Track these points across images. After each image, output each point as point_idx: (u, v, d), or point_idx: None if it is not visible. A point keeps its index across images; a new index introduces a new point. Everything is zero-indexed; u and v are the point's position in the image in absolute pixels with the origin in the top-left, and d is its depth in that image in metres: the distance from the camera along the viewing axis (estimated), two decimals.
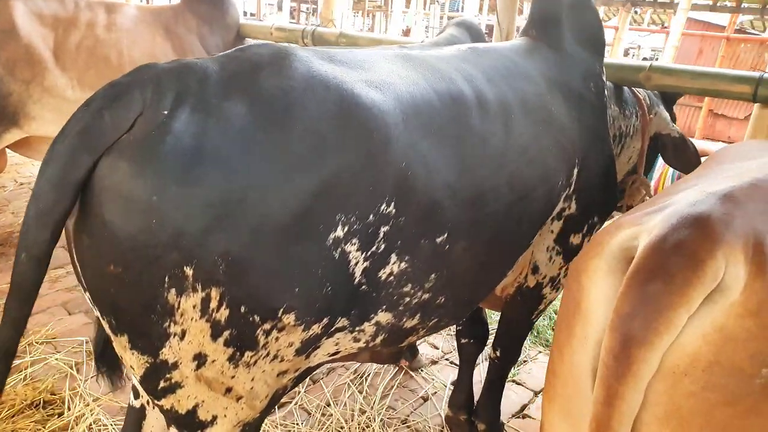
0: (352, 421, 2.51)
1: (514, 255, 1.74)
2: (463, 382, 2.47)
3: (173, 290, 1.07)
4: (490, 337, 2.49)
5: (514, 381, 2.83)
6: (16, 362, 2.66)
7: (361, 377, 2.81)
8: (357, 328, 1.38)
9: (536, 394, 2.81)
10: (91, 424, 2.38)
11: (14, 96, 3.14)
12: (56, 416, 2.43)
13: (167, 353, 1.14)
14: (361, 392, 2.70)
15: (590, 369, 1.02)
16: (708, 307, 0.88)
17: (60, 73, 3.24)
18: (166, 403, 1.23)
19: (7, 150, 3.56)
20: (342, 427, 2.47)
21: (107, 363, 1.59)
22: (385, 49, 1.63)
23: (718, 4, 9.73)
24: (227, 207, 1.06)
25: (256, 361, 1.21)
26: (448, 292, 1.50)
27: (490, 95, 1.56)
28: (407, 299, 1.41)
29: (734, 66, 10.04)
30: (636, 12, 13.36)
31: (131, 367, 1.21)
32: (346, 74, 1.28)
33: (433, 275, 1.42)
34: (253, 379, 1.24)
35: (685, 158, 2.33)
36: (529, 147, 1.61)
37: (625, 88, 2.34)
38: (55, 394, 2.53)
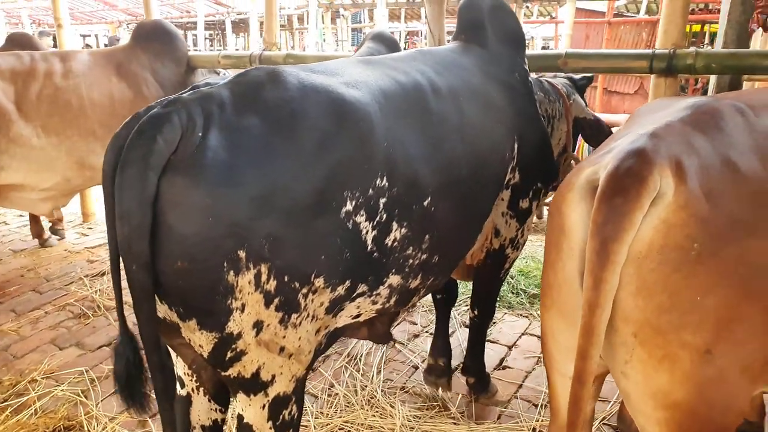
0: (356, 395, 2.81)
1: (482, 216, 2.09)
2: (440, 331, 2.82)
3: (231, 272, 1.32)
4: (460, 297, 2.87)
5: (489, 340, 3.22)
6: (21, 399, 2.82)
7: (355, 359, 3.11)
8: (374, 292, 1.67)
9: (510, 348, 3.22)
10: None
11: None
12: None
13: (232, 326, 1.39)
14: (358, 371, 3.00)
15: (577, 272, 1.41)
16: (654, 208, 1.28)
17: (24, 123, 3.36)
18: (233, 371, 1.48)
19: None
20: (350, 402, 2.76)
21: (132, 390, 1.62)
22: (346, 59, 1.96)
23: None
24: (263, 198, 1.32)
25: (300, 322, 1.48)
26: (439, 251, 1.81)
27: (441, 83, 1.89)
28: (410, 261, 1.71)
29: (618, 46, 11.05)
30: (527, 7, 14.39)
31: (200, 346, 1.44)
32: (328, 80, 1.58)
33: (427, 236, 1.72)
34: (299, 338, 1.51)
35: (602, 136, 2.81)
36: (479, 124, 1.95)
37: (544, 79, 2.80)
38: (71, 420, 2.68)
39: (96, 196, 5.53)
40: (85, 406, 2.76)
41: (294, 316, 1.46)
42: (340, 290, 1.54)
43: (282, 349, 1.49)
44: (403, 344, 3.27)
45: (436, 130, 1.77)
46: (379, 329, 2.13)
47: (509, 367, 3.03)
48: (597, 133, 2.84)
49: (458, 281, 2.90)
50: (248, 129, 1.38)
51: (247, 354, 1.45)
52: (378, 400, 2.76)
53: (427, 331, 3.39)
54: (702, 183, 1.28)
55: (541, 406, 2.70)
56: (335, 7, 13.87)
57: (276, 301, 1.40)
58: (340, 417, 2.63)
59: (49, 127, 3.46)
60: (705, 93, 6.88)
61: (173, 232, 1.30)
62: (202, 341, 1.42)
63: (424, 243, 1.73)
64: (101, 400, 2.82)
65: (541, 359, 3.05)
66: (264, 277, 1.36)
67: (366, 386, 2.87)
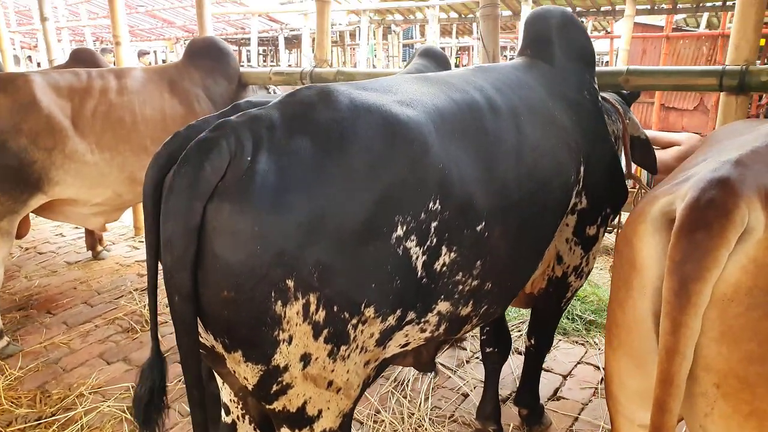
0: (403, 423, 2.70)
1: (542, 243, 1.96)
2: (489, 393, 2.58)
3: (279, 302, 1.26)
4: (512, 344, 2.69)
5: (543, 369, 3.06)
6: (70, 413, 2.83)
7: (403, 384, 3.01)
8: (423, 319, 1.58)
9: (564, 377, 3.06)
10: None
11: (38, 164, 3.31)
12: None
13: (278, 358, 1.33)
14: (405, 397, 2.90)
15: (651, 313, 1.28)
16: (741, 246, 1.14)
17: (79, 139, 3.42)
18: (278, 405, 1.41)
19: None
20: (396, 430, 2.66)
21: (151, 416, 1.60)
22: (401, 75, 1.88)
23: (656, 7, 10.40)
24: (313, 224, 1.26)
25: (349, 354, 1.41)
26: (493, 278, 1.70)
27: (499, 101, 1.79)
28: (460, 287, 1.61)
29: (677, 61, 10.67)
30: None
31: (245, 378, 1.38)
32: (380, 98, 1.50)
33: (478, 262, 1.62)
34: (348, 371, 1.43)
35: (650, 157, 2.65)
36: (540, 144, 1.83)
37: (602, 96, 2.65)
38: None
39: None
40: (129, 423, 2.76)
41: (343, 348, 1.38)
42: (391, 320, 1.45)
43: (330, 383, 1.41)
44: (452, 370, 3.15)
45: (492, 151, 1.67)
46: (424, 357, 2.03)
47: (564, 398, 2.87)
48: (645, 153, 2.67)
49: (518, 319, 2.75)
50: (297, 152, 1.32)
51: (293, 388, 1.38)
52: (425, 429, 2.66)
53: (477, 357, 3.26)
54: None
55: None
56: (387, 23, 13.91)
57: (325, 332, 1.33)
58: None
59: (103, 143, 3.51)
60: None
61: (219, 261, 1.25)
62: (248, 373, 1.37)
63: (475, 269, 1.63)
64: None
65: (598, 390, 2.90)
66: (313, 308, 1.30)
67: (413, 414, 2.77)
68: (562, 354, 3.22)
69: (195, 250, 1.25)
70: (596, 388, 2.92)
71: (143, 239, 5.46)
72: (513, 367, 3.11)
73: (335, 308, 1.33)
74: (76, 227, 5.72)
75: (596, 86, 2.28)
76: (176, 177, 1.27)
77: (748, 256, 1.14)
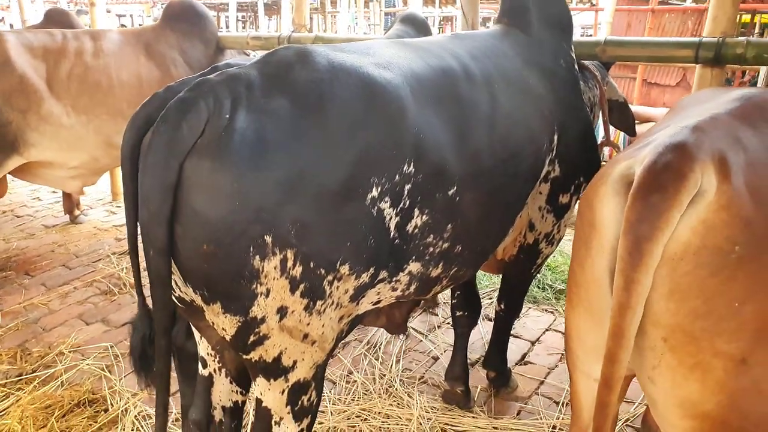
0: (374, 383, 2.78)
1: (513, 209, 2.00)
2: (459, 355, 2.64)
3: (257, 257, 1.30)
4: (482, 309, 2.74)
5: (512, 335, 3.14)
6: (50, 371, 2.88)
7: (375, 347, 3.08)
8: (394, 279, 1.62)
9: (533, 343, 3.15)
10: (137, 415, 2.58)
11: (13, 125, 3.27)
12: (103, 412, 2.63)
13: (256, 310, 1.37)
14: (377, 359, 2.98)
15: (607, 271, 1.33)
16: (693, 208, 1.19)
17: (55, 101, 3.39)
18: (254, 355, 1.46)
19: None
20: (368, 390, 2.74)
21: (145, 364, 1.67)
22: (379, 40, 1.89)
23: None
24: (291, 182, 1.30)
25: (324, 309, 1.45)
26: (463, 242, 1.75)
27: (475, 69, 1.82)
28: (431, 249, 1.66)
29: (661, 35, 10.68)
30: None
31: (223, 329, 1.43)
32: (358, 60, 1.53)
33: (449, 225, 1.66)
34: (323, 325, 1.48)
35: (629, 119, 2.69)
36: (513, 112, 1.86)
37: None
38: (95, 394, 2.73)
39: None
40: (108, 380, 2.82)
41: (319, 303, 1.43)
42: (365, 277, 1.50)
43: (305, 335, 1.46)
44: (424, 335, 3.23)
45: (466, 118, 1.70)
46: (397, 319, 2.09)
47: (531, 363, 2.96)
48: (623, 115, 2.71)
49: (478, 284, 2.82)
50: (276, 111, 1.34)
51: (269, 339, 1.43)
52: (396, 389, 2.74)
53: (447, 323, 3.34)
54: (748, 181, 1.19)
55: (562, 404, 2.63)
56: None
57: (301, 287, 1.38)
58: (358, 404, 2.61)
59: (79, 106, 3.48)
60: (754, 86, 6.62)
61: (199, 216, 1.28)
62: (226, 324, 1.41)
63: (446, 232, 1.67)
64: (124, 376, 2.87)
65: (565, 356, 2.98)
66: (290, 263, 1.34)
67: (384, 375, 2.85)
68: (531, 321, 3.31)
69: (171, 205, 1.28)
70: (562, 354, 3.01)
71: (120, 204, 5.44)
72: (483, 332, 3.19)
73: (311, 264, 1.37)
74: (53, 191, 5.67)
75: (573, 54, 2.30)
76: (154, 135, 1.30)
77: (699, 217, 1.19)
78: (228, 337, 1.45)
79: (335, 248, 1.40)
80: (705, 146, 1.24)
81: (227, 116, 1.30)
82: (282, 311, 1.40)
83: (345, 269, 1.43)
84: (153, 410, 2.64)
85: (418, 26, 2.78)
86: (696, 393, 1.24)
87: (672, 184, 1.20)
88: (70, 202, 4.86)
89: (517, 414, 2.58)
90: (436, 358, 3.01)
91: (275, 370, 1.50)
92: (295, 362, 1.50)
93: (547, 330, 3.25)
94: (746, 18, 9.95)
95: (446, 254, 1.72)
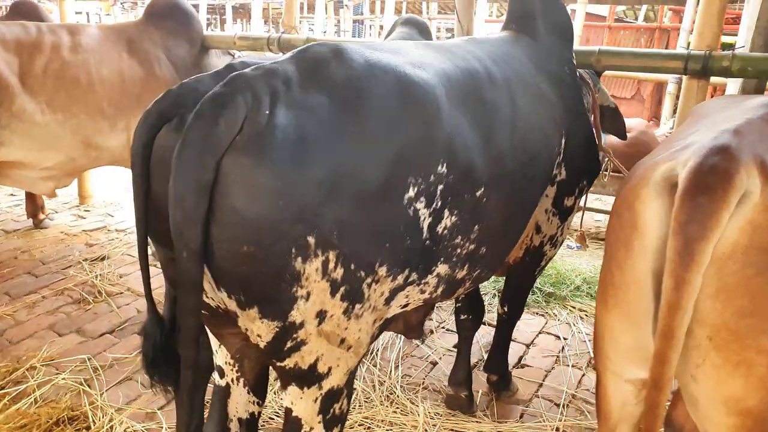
0: (375, 391, 2.74)
1: (528, 212, 2.02)
2: (462, 360, 2.62)
3: (299, 258, 1.26)
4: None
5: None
6: (21, 387, 2.70)
7: (372, 353, 3.04)
8: (423, 281, 1.60)
9: (527, 346, 3.18)
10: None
11: None
12: (85, 430, 2.47)
13: (295, 315, 1.32)
14: (375, 365, 2.94)
15: (650, 272, 1.35)
16: (740, 208, 1.22)
17: (28, 98, 3.22)
18: (290, 361, 1.41)
19: None
20: (369, 398, 2.70)
21: (159, 371, 1.65)
22: (402, 41, 1.88)
23: None
24: (333, 182, 1.26)
25: (362, 313, 1.42)
26: (487, 243, 1.75)
27: (496, 72, 1.83)
28: (458, 250, 1.65)
29: None
30: None
31: (258, 335, 1.37)
32: (393, 59, 1.51)
33: (476, 226, 1.66)
34: (360, 329, 1.45)
35: (619, 124, 2.76)
36: (530, 116, 1.89)
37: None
38: (75, 410, 2.57)
39: (94, 177, 5.38)
40: (89, 395, 2.66)
41: (357, 306, 1.40)
42: (399, 279, 1.48)
43: (342, 340, 1.43)
44: (421, 340, 3.21)
45: (491, 120, 1.71)
46: (413, 321, 2.07)
47: (528, 366, 2.99)
48: (615, 121, 2.77)
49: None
50: (316, 108, 1.31)
51: (307, 344, 1.38)
52: (398, 396, 2.70)
53: (443, 327, 3.34)
54: None
55: (563, 405, 2.66)
56: None
57: (341, 290, 1.34)
58: (360, 413, 2.56)
59: (55, 104, 3.32)
60: None
61: (239, 216, 1.23)
62: (262, 330, 1.36)
63: (473, 233, 1.67)
64: (106, 390, 2.72)
65: (560, 358, 3.04)
66: (331, 265, 1.30)
67: (384, 381, 2.81)
68: (524, 324, 3.34)
69: (207, 205, 1.23)
70: (557, 356, 3.06)
71: (89, 208, 5.24)
72: (478, 336, 3.20)
73: (352, 266, 1.33)
74: (12, 193, 5.40)
75: (574, 62, 2.35)
76: (189, 131, 1.24)
77: (746, 218, 1.22)
78: (263, 344, 1.39)
79: (375, 249, 1.37)
80: (746, 149, 1.27)
81: (267, 112, 1.26)
82: (321, 315, 1.36)
83: (383, 271, 1.41)
84: (141, 426, 2.58)
85: (420, 29, 2.79)
86: (740, 390, 1.26)
87: (720, 186, 1.22)
88: (33, 206, 4.63)
89: (520, 417, 2.59)
90: (434, 363, 3.00)
91: (310, 377, 1.45)
92: (329, 369, 1.46)
93: (540, 333, 3.29)
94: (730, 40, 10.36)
95: (472, 256, 1.72)
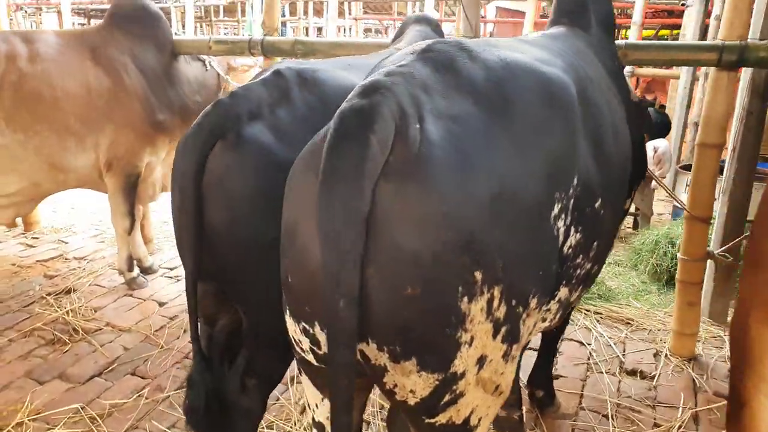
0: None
1: (621, 222, 1.88)
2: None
3: (465, 298, 1.07)
4: None
5: (531, 348, 3.02)
6: None
7: None
8: (545, 308, 1.42)
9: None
10: None
11: None
12: None
13: (458, 364, 1.13)
14: None
15: None
16: None
17: None
18: (443, 417, 1.21)
19: None
20: None
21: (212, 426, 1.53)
22: (494, 38, 1.67)
23: None
24: (495, 203, 1.09)
25: (516, 353, 1.24)
26: (598, 260, 1.60)
27: (588, 70, 1.67)
28: (578, 271, 1.49)
29: None
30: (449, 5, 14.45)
31: (411, 391, 1.15)
32: (521, 56, 1.31)
33: (594, 243, 1.50)
34: (512, 372, 1.27)
35: (644, 120, 2.67)
36: (617, 115, 1.74)
37: None
38: None
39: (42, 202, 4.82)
40: None
41: (514, 347, 1.21)
42: (544, 310, 1.30)
43: (497, 387, 1.23)
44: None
45: (598, 122, 1.54)
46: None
47: (562, 376, 2.85)
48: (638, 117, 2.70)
49: None
50: (465, 117, 1.11)
51: (464, 396, 1.18)
52: None
53: None
54: None
55: (611, 416, 2.55)
56: None
57: (503, 330, 1.16)
58: None
59: (14, 121, 2.89)
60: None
61: (402, 252, 1.02)
62: (418, 385, 1.14)
63: (591, 251, 1.51)
64: None
65: (591, 366, 2.94)
66: (495, 303, 1.11)
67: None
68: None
69: (363, 243, 1.02)
70: (588, 364, 2.95)
71: (37, 235, 4.70)
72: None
73: (513, 302, 1.15)
74: None
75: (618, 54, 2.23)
76: (336, 155, 1.02)
77: None
78: (414, 400, 1.17)
79: (530, 279, 1.19)
80: None
81: (417, 126, 1.06)
82: (481, 362, 1.16)
83: (533, 303, 1.22)
84: None
85: (434, 26, 2.61)
86: None
87: None
88: None
89: None
90: None
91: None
92: (480, 420, 1.26)
93: (563, 340, 3.17)
94: (649, 32, 10.70)
95: (586, 276, 1.57)
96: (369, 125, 1.02)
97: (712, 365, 2.95)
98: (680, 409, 2.58)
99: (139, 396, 2.66)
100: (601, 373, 2.87)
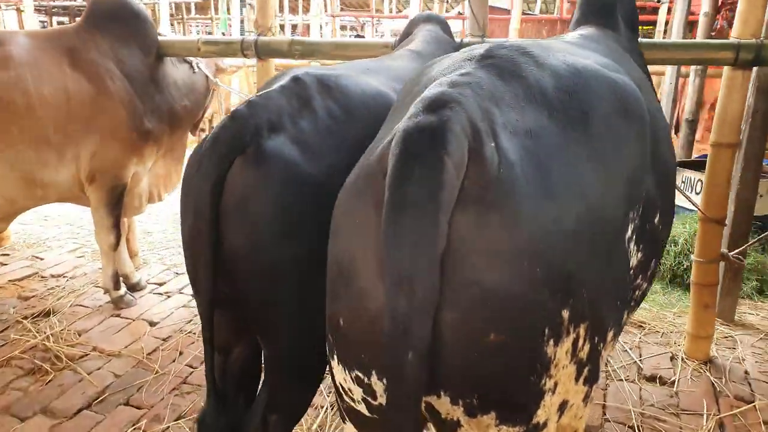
0: None
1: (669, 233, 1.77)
2: None
3: (551, 341, 0.96)
4: None
5: None
6: None
7: None
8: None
9: None
10: None
11: None
12: None
13: (540, 414, 1.02)
14: None
15: None
16: None
17: None
18: None
19: None
20: None
21: None
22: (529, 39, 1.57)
23: None
24: (583, 230, 0.97)
25: (593, 394, 1.13)
26: (652, 279, 1.50)
27: (635, 75, 1.57)
28: (636, 293, 1.40)
29: None
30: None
31: None
32: (584, 60, 1.20)
33: (653, 261, 1.41)
34: (587, 414, 1.15)
35: None
36: (663, 122, 1.65)
37: None
38: None
39: None
40: None
41: (594, 387, 1.10)
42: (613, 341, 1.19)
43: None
44: None
45: (655, 128, 1.42)
46: None
47: None
48: None
49: None
50: (540, 133, 0.99)
51: None
52: None
53: None
54: None
55: (637, 427, 2.46)
56: None
57: (585, 372, 1.05)
58: None
59: None
60: None
61: (490, 294, 0.89)
62: None
63: (649, 270, 1.42)
64: None
65: (610, 373, 2.85)
66: (580, 343, 1.00)
67: None
68: None
69: (439, 287, 0.88)
70: (606, 371, 2.87)
71: (7, 252, 4.40)
72: None
73: (595, 339, 1.04)
74: None
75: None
76: (406, 184, 0.88)
77: None
78: None
79: (611, 311, 1.08)
80: None
81: (492, 144, 0.92)
82: (562, 408, 1.04)
83: (610, 336, 1.11)
84: None
85: (443, 26, 2.50)
86: None
87: None
88: None
89: None
90: None
91: None
92: None
93: None
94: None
95: (640, 297, 1.47)
96: (442, 146, 0.88)
97: (729, 367, 2.90)
98: (704, 416, 2.52)
99: (135, 429, 2.45)
100: (621, 380, 2.79)
